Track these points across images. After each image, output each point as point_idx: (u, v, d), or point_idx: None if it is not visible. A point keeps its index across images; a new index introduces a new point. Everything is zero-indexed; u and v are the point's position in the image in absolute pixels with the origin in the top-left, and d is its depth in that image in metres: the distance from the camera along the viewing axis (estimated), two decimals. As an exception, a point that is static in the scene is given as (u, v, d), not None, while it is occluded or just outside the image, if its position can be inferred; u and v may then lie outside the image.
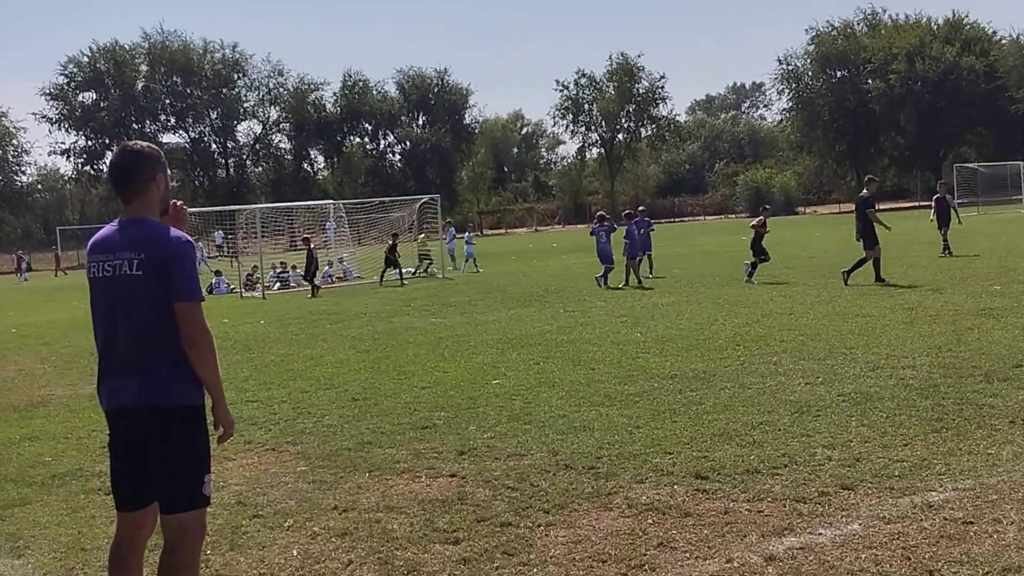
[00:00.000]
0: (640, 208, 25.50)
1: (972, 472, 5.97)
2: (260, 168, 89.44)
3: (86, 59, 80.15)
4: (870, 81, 78.47)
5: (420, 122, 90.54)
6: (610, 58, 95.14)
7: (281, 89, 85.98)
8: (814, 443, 6.83)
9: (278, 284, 29.02)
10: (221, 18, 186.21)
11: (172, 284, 3.98)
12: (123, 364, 4.06)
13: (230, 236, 42.16)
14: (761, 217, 21.10)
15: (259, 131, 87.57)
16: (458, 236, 34.64)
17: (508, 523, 5.62)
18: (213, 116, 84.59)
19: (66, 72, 79.90)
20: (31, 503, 6.77)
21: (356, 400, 9.65)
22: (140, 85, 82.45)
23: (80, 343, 16.34)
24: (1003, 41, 77.86)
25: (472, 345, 13.16)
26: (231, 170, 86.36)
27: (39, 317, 23.76)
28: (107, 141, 79.29)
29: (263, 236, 31.49)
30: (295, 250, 31.16)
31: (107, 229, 4.19)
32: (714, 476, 6.23)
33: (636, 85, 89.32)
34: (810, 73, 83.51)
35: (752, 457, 6.58)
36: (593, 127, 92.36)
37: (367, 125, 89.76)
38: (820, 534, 5.11)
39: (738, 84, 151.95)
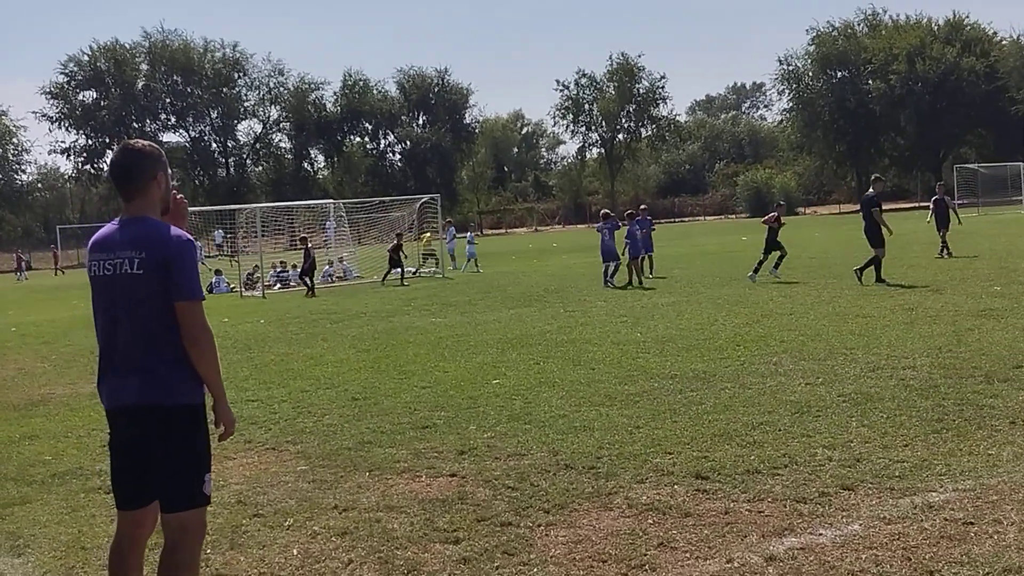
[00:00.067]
0: (642, 207, 25.50)
1: (972, 473, 5.97)
2: (260, 167, 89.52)
3: (86, 58, 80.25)
4: (870, 82, 78.47)
5: (420, 122, 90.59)
6: (610, 58, 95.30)
7: (281, 88, 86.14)
8: (814, 443, 6.83)
9: (278, 284, 29.03)
10: (221, 17, 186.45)
11: (173, 283, 3.98)
12: (124, 363, 4.06)
13: (230, 235, 42.15)
14: (774, 212, 20.91)
15: (259, 130, 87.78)
16: (459, 236, 34.64)
17: (508, 523, 5.61)
18: (213, 115, 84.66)
19: (66, 71, 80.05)
20: (31, 502, 6.76)
21: (356, 399, 9.64)
22: (140, 84, 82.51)
23: (80, 342, 16.34)
24: (1003, 42, 77.86)
25: (472, 345, 13.16)
26: (231, 169, 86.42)
27: (39, 316, 23.76)
28: (107, 140, 79.41)
29: (263, 235, 31.48)
30: (295, 249, 31.16)
31: (108, 228, 4.19)
32: (714, 476, 6.22)
33: (636, 85, 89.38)
34: (810, 73, 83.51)
35: (752, 457, 6.58)
36: (593, 127, 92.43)
37: (367, 125, 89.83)
38: (820, 534, 5.11)
39: (738, 84, 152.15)
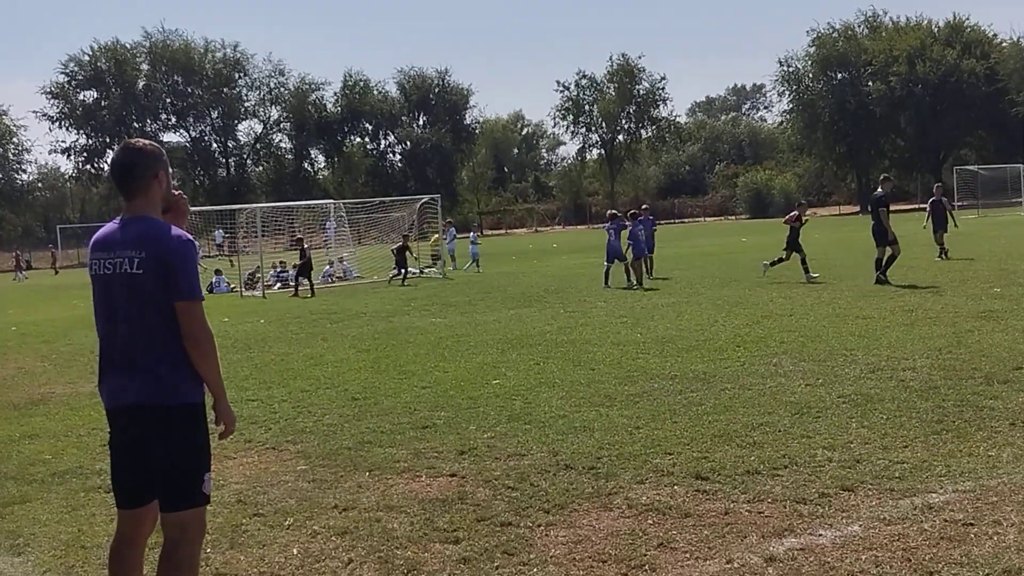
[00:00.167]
0: (644, 207, 25.49)
1: (972, 474, 5.98)
2: (261, 167, 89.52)
3: (87, 58, 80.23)
4: (871, 83, 78.50)
5: (420, 122, 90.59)
6: (611, 59, 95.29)
7: (282, 89, 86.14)
8: (814, 444, 6.83)
9: (278, 284, 29.03)
10: (222, 18, 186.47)
11: (173, 283, 3.98)
12: (123, 362, 4.06)
13: (229, 235, 42.17)
14: (794, 212, 20.68)
15: (260, 130, 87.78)
16: (460, 236, 34.63)
17: (508, 523, 5.62)
18: (214, 115, 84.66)
19: (67, 71, 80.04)
20: (31, 501, 6.76)
21: (356, 399, 9.65)
22: (141, 84, 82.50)
23: (80, 341, 16.35)
24: (1004, 44, 77.88)
25: (472, 345, 13.16)
26: (232, 169, 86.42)
27: (39, 315, 23.76)
28: (108, 140, 79.41)
29: (263, 235, 31.49)
30: (295, 250, 31.17)
31: (109, 227, 4.20)
32: (714, 477, 6.23)
33: (637, 86, 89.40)
34: (811, 75, 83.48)
35: (752, 458, 6.58)
36: (593, 128, 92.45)
37: (367, 125, 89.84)
38: (820, 535, 5.12)
39: (739, 86, 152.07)
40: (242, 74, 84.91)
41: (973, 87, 73.23)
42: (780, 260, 20.01)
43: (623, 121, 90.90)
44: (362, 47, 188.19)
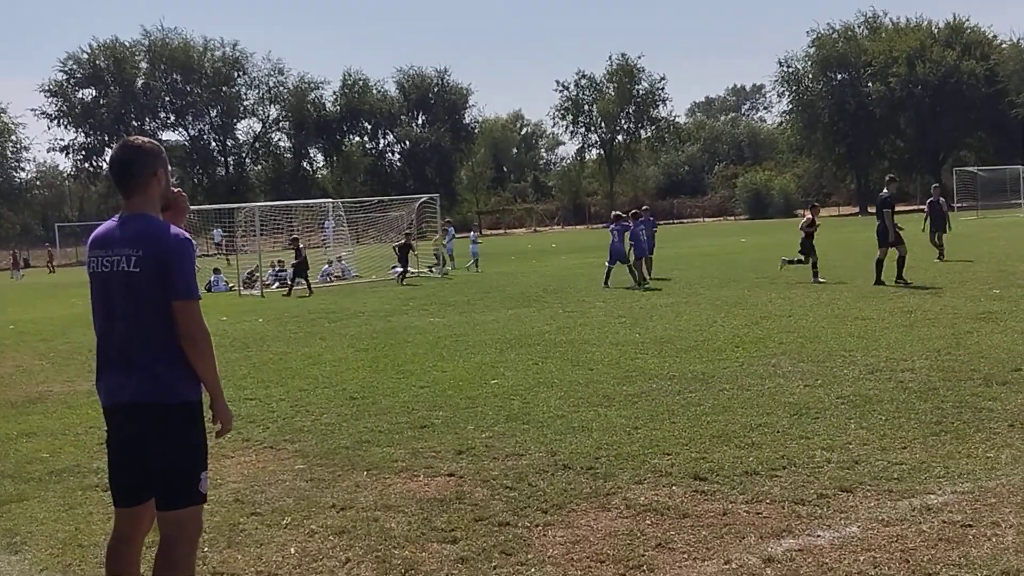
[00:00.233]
0: (644, 208, 25.49)
1: (971, 475, 5.97)
2: (259, 166, 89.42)
3: (86, 56, 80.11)
4: (870, 84, 78.51)
5: (420, 121, 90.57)
6: (610, 59, 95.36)
7: (281, 87, 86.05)
8: (813, 445, 6.82)
9: (276, 283, 29.02)
10: (221, 16, 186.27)
11: (170, 281, 3.97)
12: (120, 360, 4.05)
13: (228, 233, 42.15)
14: (808, 216, 20.62)
15: (259, 129, 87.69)
16: (460, 236, 34.60)
17: (506, 523, 5.61)
18: (213, 114, 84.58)
19: (66, 69, 79.91)
20: (28, 499, 6.75)
21: (354, 399, 9.64)
22: (140, 82, 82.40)
23: (78, 339, 16.33)
24: (1003, 45, 77.90)
25: (471, 345, 13.15)
26: (230, 168, 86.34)
27: (37, 313, 23.74)
28: (106, 138, 79.33)
29: (262, 234, 31.47)
30: (292, 249, 31.16)
31: (107, 224, 4.19)
32: (712, 477, 6.22)
33: (636, 86, 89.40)
34: (810, 76, 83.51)
35: (751, 459, 6.58)
36: (593, 128, 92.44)
37: (367, 124, 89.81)
38: (818, 536, 5.11)
39: (738, 86, 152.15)
40: (241, 73, 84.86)
41: (973, 88, 73.26)
42: (799, 261, 19.98)
43: (622, 121, 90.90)
44: (361, 46, 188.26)
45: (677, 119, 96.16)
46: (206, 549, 5.36)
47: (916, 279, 18.08)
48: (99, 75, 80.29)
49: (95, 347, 4.21)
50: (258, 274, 29.05)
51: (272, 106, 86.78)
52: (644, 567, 4.86)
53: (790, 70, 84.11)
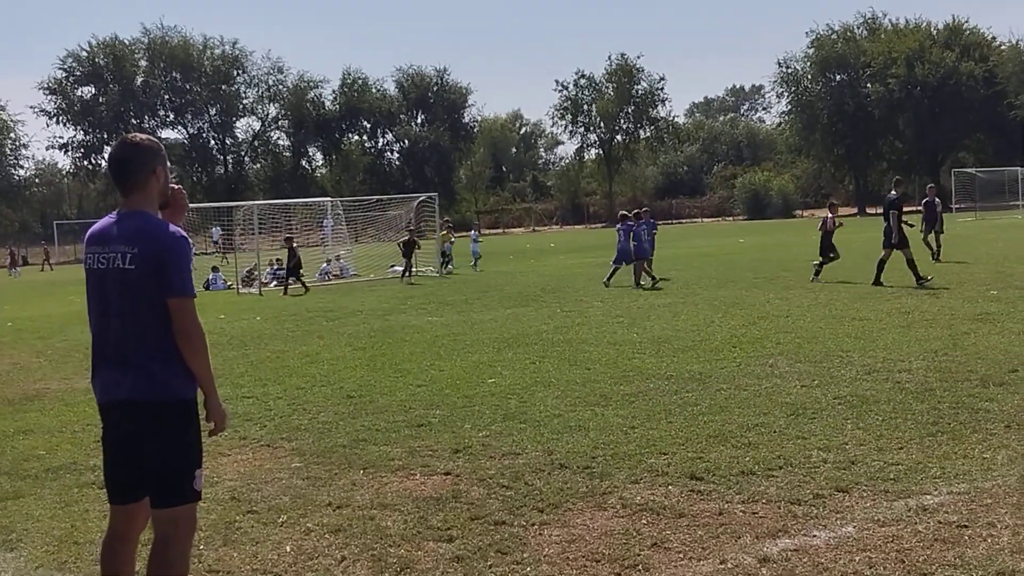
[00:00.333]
0: (644, 209, 25.48)
1: (967, 476, 5.98)
2: (258, 165, 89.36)
3: (85, 54, 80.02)
4: (869, 85, 78.55)
5: (419, 121, 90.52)
6: (609, 59, 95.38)
7: (280, 86, 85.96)
8: (809, 445, 6.83)
9: (274, 281, 29.01)
10: (221, 15, 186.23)
11: (165, 279, 3.97)
12: (116, 357, 4.05)
13: (226, 231, 42.12)
14: (829, 216, 20.45)
15: (258, 128, 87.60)
16: (460, 235, 34.53)
17: (502, 522, 5.61)
18: (212, 112, 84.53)
19: (65, 66, 79.83)
20: (24, 496, 6.75)
21: (351, 397, 9.64)
22: (139, 80, 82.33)
23: (75, 337, 16.32)
24: (1002, 47, 77.96)
25: (468, 344, 13.15)
26: (229, 166, 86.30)
27: (35, 311, 23.73)
28: (105, 136, 79.21)
29: (260, 233, 31.46)
30: (287, 248, 31.16)
31: (105, 220, 4.19)
32: (709, 477, 6.22)
33: (635, 86, 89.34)
34: (809, 76, 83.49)
35: (747, 459, 6.58)
36: (592, 128, 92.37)
37: (366, 123, 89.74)
38: (814, 536, 5.11)
39: (737, 86, 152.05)
40: (240, 71, 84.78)
41: (972, 90, 73.28)
42: (822, 264, 19.74)
43: (621, 121, 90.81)
44: (361, 45, 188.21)
45: (676, 119, 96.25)
46: (202, 547, 5.37)
47: (914, 280, 18.06)
48: (98, 73, 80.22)
49: (91, 343, 4.20)
50: (256, 272, 29.04)
51: (271, 105, 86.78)
52: (640, 566, 4.86)
53: (789, 71, 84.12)
